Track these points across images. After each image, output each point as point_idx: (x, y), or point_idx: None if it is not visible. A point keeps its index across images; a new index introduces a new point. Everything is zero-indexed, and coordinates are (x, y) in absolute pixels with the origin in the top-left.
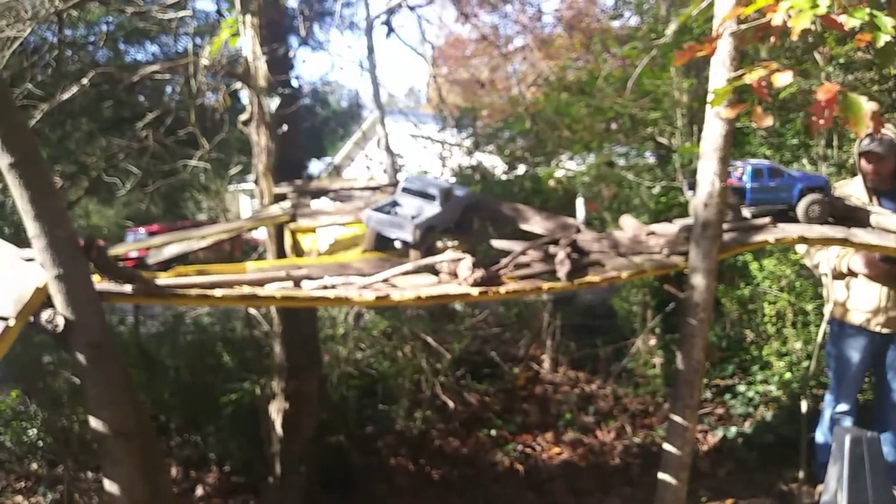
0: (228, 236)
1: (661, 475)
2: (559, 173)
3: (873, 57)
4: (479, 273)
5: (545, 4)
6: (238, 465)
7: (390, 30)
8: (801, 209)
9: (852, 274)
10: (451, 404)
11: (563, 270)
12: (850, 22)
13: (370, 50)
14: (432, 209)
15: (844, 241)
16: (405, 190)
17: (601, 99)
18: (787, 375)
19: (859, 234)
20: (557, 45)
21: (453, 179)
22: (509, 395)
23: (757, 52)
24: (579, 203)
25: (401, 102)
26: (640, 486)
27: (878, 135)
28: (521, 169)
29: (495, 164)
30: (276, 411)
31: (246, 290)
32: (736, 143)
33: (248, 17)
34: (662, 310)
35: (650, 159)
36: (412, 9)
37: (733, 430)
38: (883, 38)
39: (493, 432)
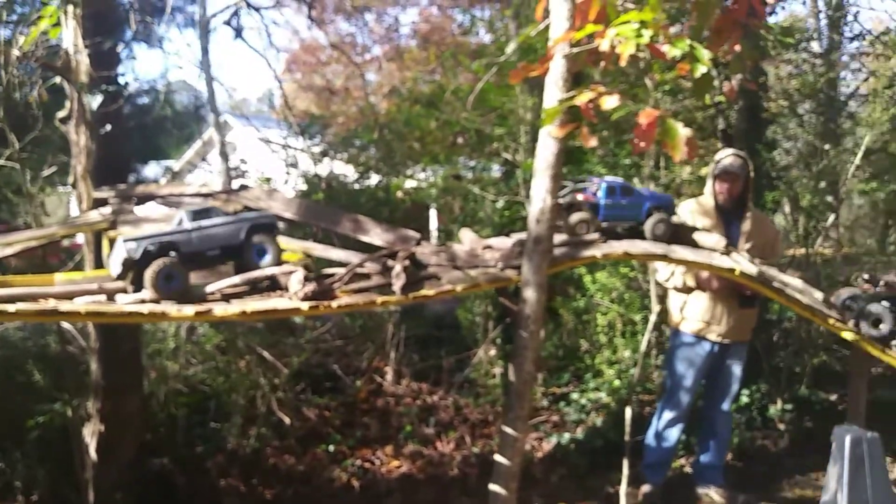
0: (38, 243)
1: (492, 486)
2: (409, 184)
3: (691, 87)
4: (311, 287)
5: (402, 16)
6: (46, 494)
7: (238, 31)
8: (648, 227)
9: (700, 287)
10: (287, 420)
11: (398, 284)
12: (672, 51)
13: (205, 51)
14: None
15: (664, 257)
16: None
17: (450, 113)
18: (617, 383)
19: (678, 251)
20: (410, 58)
21: (301, 187)
22: (350, 409)
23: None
24: (433, 215)
25: (253, 106)
26: (477, 496)
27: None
28: (373, 179)
29: (346, 174)
30: (90, 434)
31: (51, 303)
32: (575, 160)
33: (70, 7)
34: (503, 321)
35: (497, 173)
36: (257, 10)
37: (567, 436)
38: (700, 70)
39: (332, 448)
